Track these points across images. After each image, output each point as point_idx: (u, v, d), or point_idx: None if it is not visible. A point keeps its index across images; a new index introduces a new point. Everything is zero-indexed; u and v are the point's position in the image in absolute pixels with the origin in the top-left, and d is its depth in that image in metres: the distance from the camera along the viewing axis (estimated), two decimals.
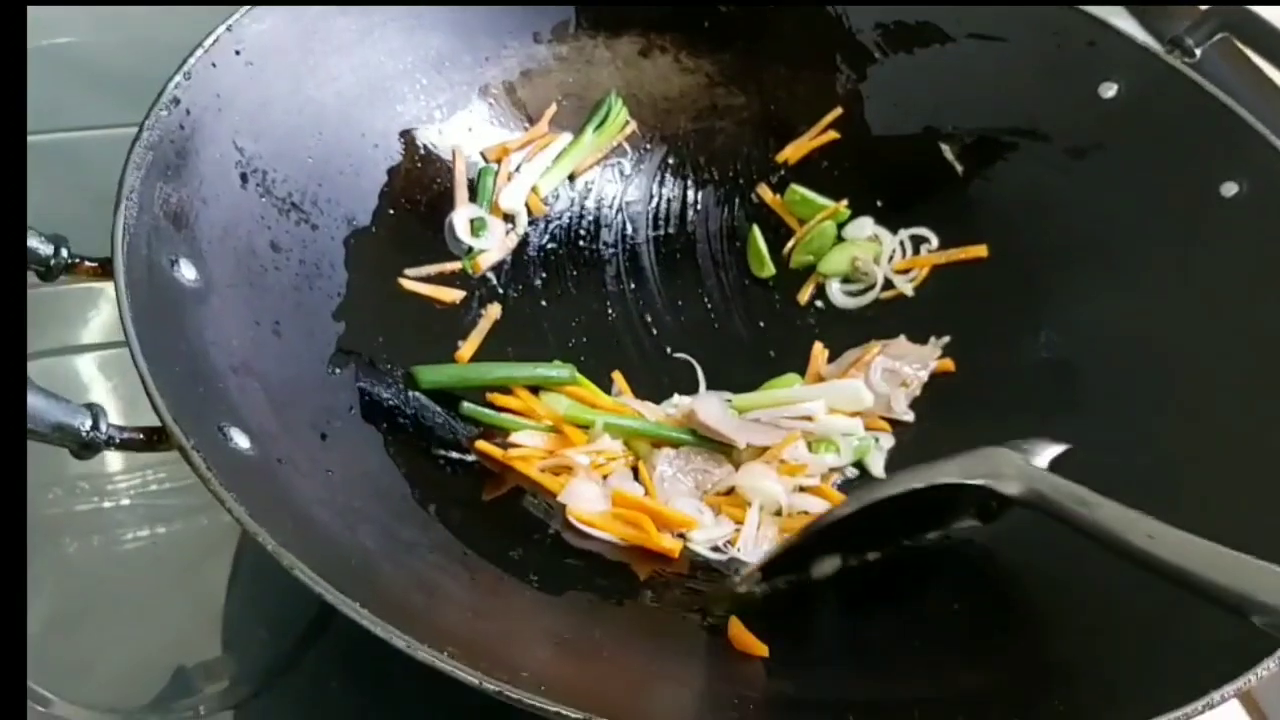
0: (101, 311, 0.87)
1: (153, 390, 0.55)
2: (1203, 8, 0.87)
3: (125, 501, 0.78)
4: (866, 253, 0.91)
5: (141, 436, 0.56)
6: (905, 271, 0.91)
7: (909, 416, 0.82)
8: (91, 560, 0.75)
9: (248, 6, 0.75)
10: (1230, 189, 0.80)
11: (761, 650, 0.62)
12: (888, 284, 0.91)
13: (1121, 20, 1.19)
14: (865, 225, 0.93)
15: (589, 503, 0.73)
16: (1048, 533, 0.62)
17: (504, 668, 0.50)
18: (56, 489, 0.77)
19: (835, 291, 0.91)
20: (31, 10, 1.04)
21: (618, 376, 0.83)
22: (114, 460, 0.79)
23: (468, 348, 0.81)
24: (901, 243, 0.92)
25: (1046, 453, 0.68)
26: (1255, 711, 0.74)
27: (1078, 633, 0.63)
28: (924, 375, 0.83)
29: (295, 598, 0.72)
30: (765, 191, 0.95)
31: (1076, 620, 0.64)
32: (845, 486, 0.79)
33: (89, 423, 0.54)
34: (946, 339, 0.86)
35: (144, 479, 0.79)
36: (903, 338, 0.86)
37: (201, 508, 0.77)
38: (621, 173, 0.94)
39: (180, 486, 0.78)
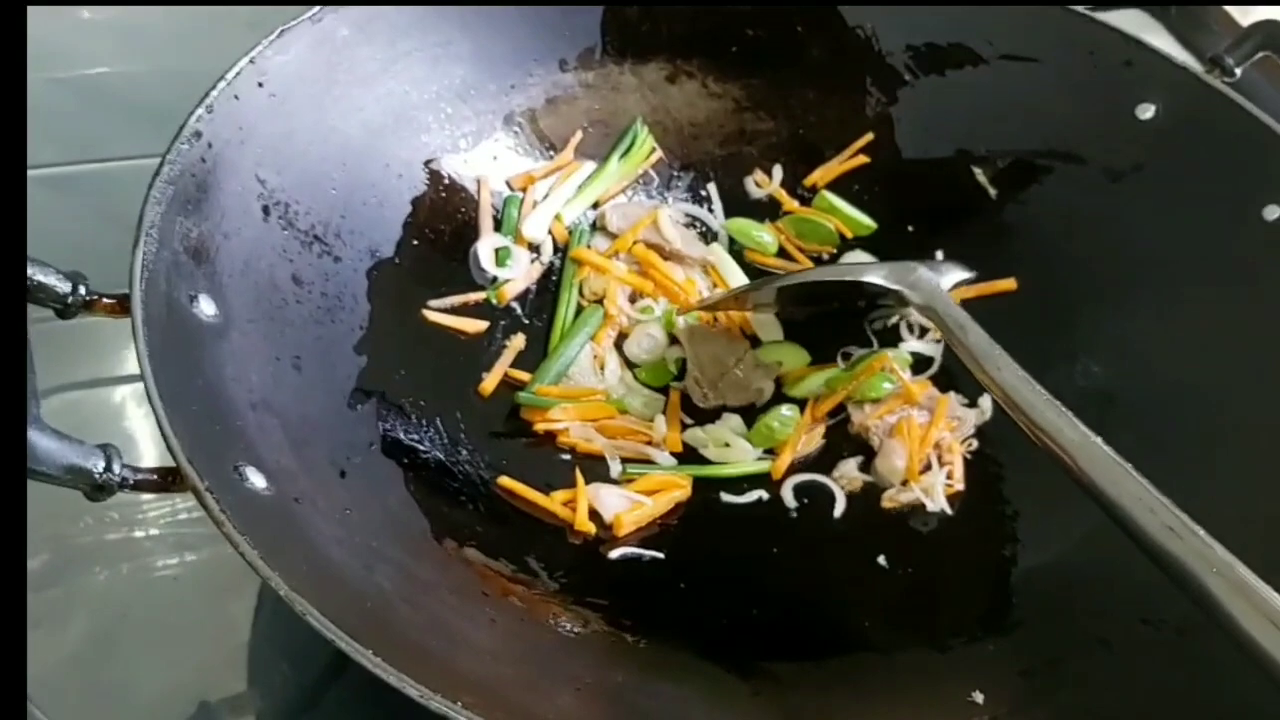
0: (127, 344, 0.87)
1: (168, 431, 0.55)
2: (1245, 18, 0.84)
3: (155, 531, 0.77)
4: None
5: (156, 478, 0.55)
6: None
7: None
8: (121, 589, 0.75)
9: (273, 36, 0.75)
10: (1273, 212, 0.78)
11: None
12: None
13: (1158, 38, 1.17)
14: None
15: (613, 503, 0.74)
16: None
17: (521, 715, 0.49)
18: (88, 518, 0.77)
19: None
20: (63, 41, 1.07)
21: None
22: None
23: (491, 379, 0.80)
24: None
25: (953, 276, 0.82)
26: None
27: None
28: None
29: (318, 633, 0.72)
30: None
31: None
32: None
33: (102, 464, 0.54)
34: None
35: (173, 507, 0.79)
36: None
37: None
38: (646, 199, 0.93)
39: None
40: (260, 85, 0.74)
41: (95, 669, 0.70)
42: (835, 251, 0.92)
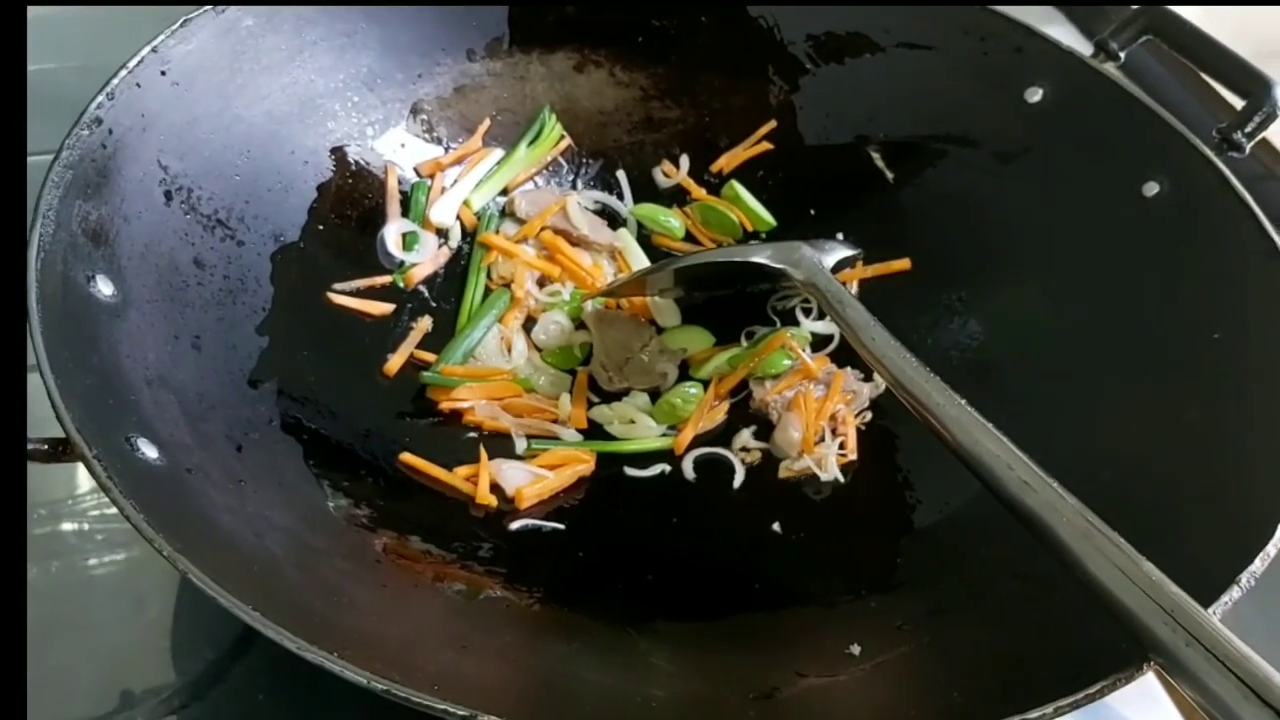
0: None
1: (58, 401, 0.56)
2: (1133, 6, 0.88)
3: (85, 526, 0.79)
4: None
5: (46, 447, 0.57)
6: None
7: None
8: (50, 583, 0.76)
9: (175, 26, 0.76)
10: (1152, 188, 0.81)
11: None
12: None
13: (1052, 25, 1.21)
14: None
15: (514, 477, 0.76)
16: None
17: (399, 669, 0.51)
18: None
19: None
20: None
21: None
22: (73, 485, 0.81)
23: (396, 359, 0.81)
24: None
25: (837, 254, 0.87)
26: None
27: None
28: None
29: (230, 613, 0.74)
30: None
31: None
32: None
33: None
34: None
35: (98, 501, 0.80)
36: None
37: None
38: (556, 187, 0.95)
39: None
40: (163, 74, 0.75)
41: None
42: (737, 241, 0.95)
